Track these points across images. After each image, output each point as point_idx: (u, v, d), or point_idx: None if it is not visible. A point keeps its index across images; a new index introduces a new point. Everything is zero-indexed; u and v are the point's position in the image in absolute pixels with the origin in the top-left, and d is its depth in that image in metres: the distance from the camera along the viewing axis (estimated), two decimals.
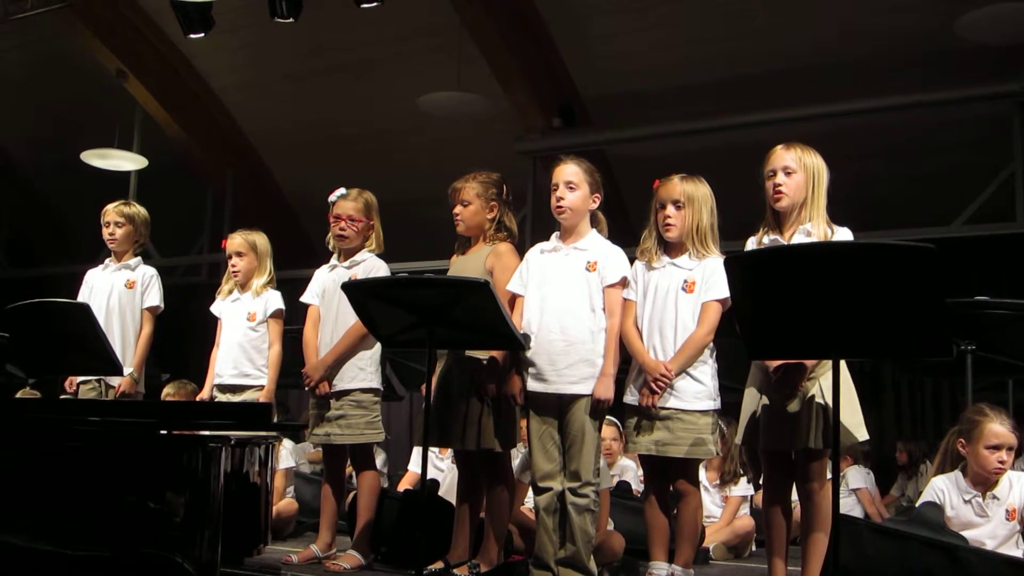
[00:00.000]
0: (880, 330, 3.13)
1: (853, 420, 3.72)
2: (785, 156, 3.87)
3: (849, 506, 6.87)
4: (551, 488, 4.16)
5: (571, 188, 4.26)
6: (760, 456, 4.00)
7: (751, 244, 3.94)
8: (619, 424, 5.51)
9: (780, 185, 3.85)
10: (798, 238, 3.80)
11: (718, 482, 6.06)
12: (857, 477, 7.22)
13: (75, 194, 11.27)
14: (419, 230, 7.54)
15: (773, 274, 3.23)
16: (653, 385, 4.02)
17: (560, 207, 4.26)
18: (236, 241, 5.34)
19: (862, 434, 3.77)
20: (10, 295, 5.35)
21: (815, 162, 3.87)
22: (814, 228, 3.80)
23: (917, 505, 4.46)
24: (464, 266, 4.57)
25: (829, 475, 4.01)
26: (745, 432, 3.90)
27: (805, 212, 3.85)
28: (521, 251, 4.51)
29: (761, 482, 4.45)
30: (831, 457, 3.41)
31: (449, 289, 3.92)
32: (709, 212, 4.16)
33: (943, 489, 4.29)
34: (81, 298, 5.43)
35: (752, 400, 3.88)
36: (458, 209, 4.56)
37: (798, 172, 3.84)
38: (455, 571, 4.33)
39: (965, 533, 4.11)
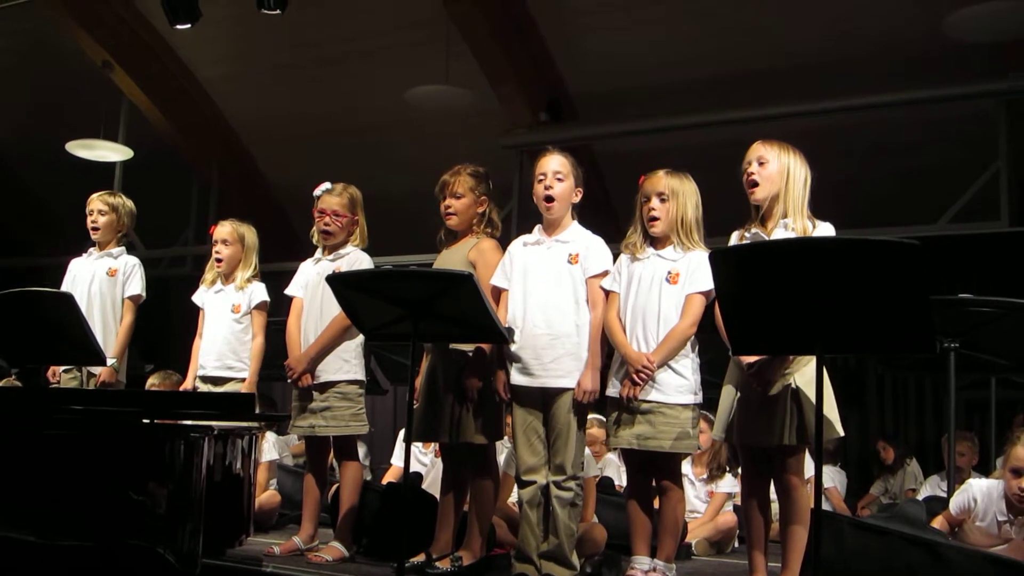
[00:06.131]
0: (864, 326, 3.14)
1: (830, 416, 3.71)
2: (759, 148, 3.92)
3: None
4: (535, 481, 4.16)
5: (559, 179, 4.27)
6: (737, 451, 3.99)
7: (734, 239, 3.96)
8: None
9: (753, 175, 3.89)
10: (778, 232, 3.82)
11: (705, 476, 6.06)
12: (827, 475, 7.22)
13: (60, 184, 11.22)
14: (405, 224, 7.52)
15: (758, 269, 3.23)
16: (635, 377, 4.02)
17: (549, 196, 4.26)
18: (225, 229, 5.32)
19: (838, 430, 3.77)
20: None
21: (790, 155, 3.90)
22: (793, 222, 3.81)
23: (951, 499, 4.38)
24: (448, 259, 4.55)
25: (809, 472, 4.03)
26: (723, 428, 3.91)
27: (780, 206, 3.86)
28: (505, 246, 4.49)
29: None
30: (813, 453, 3.41)
31: (434, 282, 3.90)
32: (694, 206, 4.17)
33: (976, 497, 4.16)
34: (64, 287, 5.41)
35: (729, 396, 3.89)
36: (449, 201, 4.53)
37: (771, 163, 3.87)
38: (437, 563, 4.32)
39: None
